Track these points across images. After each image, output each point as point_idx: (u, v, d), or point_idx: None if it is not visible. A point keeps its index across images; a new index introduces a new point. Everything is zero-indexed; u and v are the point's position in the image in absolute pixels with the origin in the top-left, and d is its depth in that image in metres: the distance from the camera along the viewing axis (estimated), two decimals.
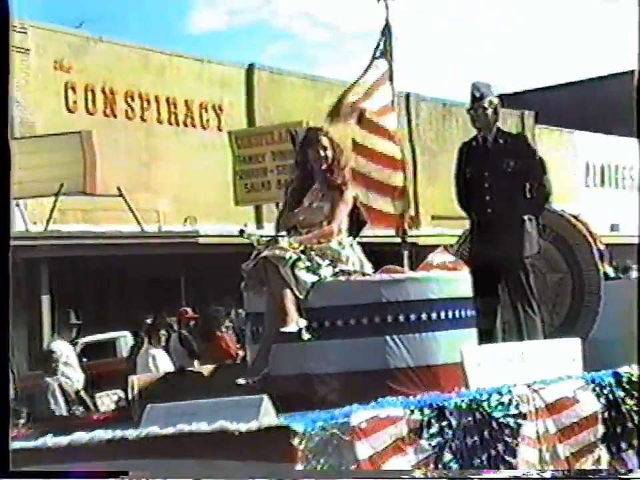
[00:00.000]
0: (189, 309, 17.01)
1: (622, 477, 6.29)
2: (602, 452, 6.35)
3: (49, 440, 5.42)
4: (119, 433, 5.22)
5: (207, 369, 7.33)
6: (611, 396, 6.50)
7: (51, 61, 22.23)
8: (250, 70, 25.57)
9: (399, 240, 7.79)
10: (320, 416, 5.19)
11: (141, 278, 21.39)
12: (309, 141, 6.81)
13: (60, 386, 12.50)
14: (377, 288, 6.34)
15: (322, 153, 6.69)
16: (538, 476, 5.93)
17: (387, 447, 5.32)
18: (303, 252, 6.38)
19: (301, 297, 6.28)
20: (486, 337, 7.00)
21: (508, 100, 38.91)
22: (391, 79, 7.62)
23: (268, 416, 5.38)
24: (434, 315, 6.42)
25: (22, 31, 22.12)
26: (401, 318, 6.33)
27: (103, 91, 22.79)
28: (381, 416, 5.37)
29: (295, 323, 6.19)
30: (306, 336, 6.21)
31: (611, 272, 8.13)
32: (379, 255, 7.42)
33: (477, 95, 7.53)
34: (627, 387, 6.53)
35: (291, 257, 6.30)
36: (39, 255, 20.30)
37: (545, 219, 7.80)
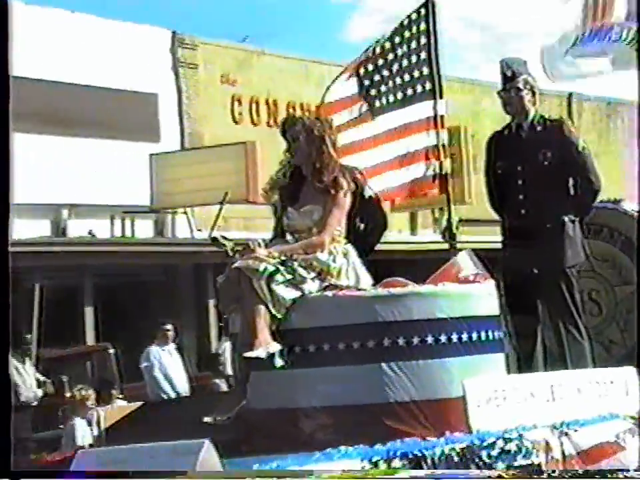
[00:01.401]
0: None
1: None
2: None
3: None
4: None
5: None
6: None
7: (218, 75, 21.72)
8: None
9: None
10: None
11: None
12: (283, 132, 5.35)
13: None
14: (371, 305, 4.85)
15: (294, 144, 5.23)
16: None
17: None
18: (283, 263, 4.94)
19: (278, 315, 4.86)
20: (524, 363, 5.35)
21: None
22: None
23: (208, 465, 4.08)
24: (443, 338, 4.87)
25: (192, 48, 21.75)
26: (401, 341, 4.84)
27: (267, 103, 22.07)
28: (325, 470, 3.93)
29: (264, 347, 4.77)
30: (279, 363, 4.78)
31: None
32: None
33: (508, 73, 5.76)
34: None
35: (266, 269, 4.87)
36: (205, 261, 19.68)
37: (613, 220, 6.08)
